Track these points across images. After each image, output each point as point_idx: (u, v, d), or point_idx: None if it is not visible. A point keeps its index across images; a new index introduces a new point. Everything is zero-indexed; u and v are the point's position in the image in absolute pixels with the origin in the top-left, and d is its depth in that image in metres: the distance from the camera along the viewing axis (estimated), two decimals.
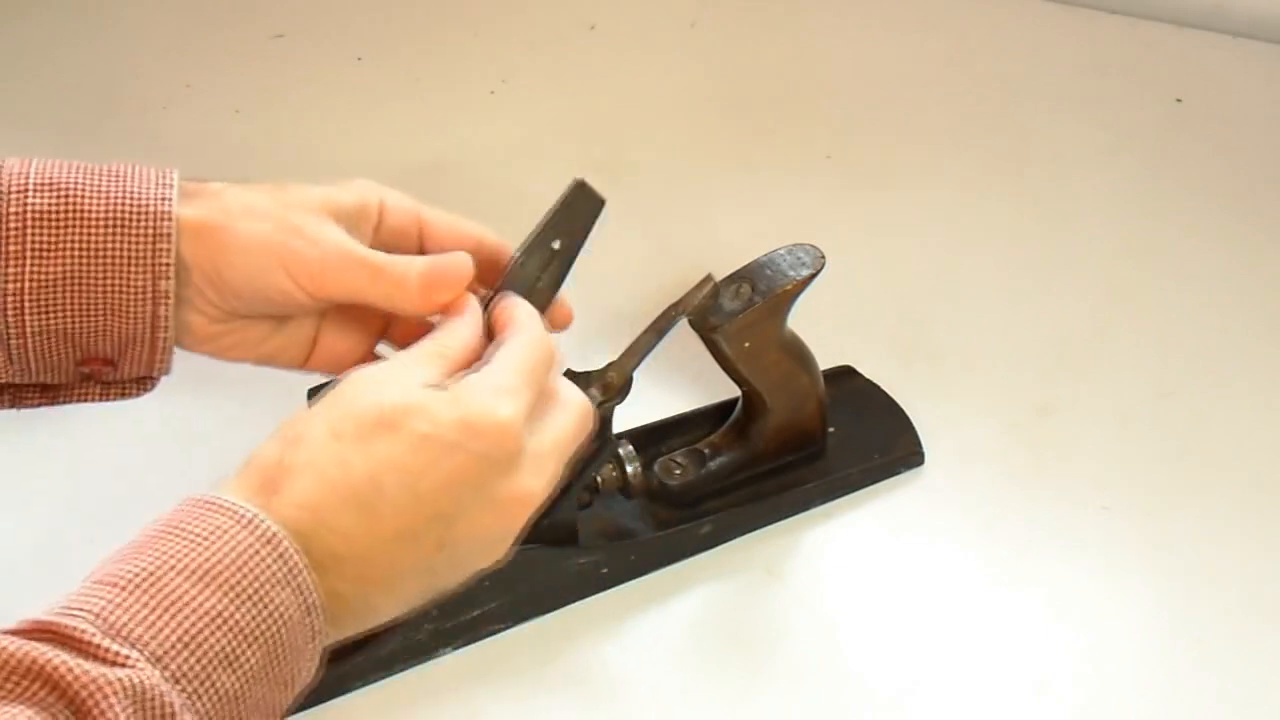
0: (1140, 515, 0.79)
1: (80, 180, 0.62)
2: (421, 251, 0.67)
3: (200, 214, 0.63)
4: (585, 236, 0.68)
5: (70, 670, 0.45)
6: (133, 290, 0.62)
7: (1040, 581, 0.76)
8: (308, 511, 0.53)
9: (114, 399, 0.67)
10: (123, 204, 0.62)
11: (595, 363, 0.73)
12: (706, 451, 0.80)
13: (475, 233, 0.68)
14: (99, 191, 0.62)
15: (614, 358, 0.71)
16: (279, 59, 1.12)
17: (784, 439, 0.79)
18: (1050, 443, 0.83)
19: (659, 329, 0.71)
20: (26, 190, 0.61)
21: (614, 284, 0.90)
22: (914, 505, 0.80)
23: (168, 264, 0.62)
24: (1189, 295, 0.93)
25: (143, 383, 0.67)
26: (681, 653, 0.73)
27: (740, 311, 0.72)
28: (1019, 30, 1.14)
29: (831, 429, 0.81)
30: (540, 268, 0.67)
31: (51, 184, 0.62)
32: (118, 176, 0.63)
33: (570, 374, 0.74)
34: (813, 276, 0.73)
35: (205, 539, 0.51)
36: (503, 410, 0.56)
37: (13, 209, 0.61)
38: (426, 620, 0.71)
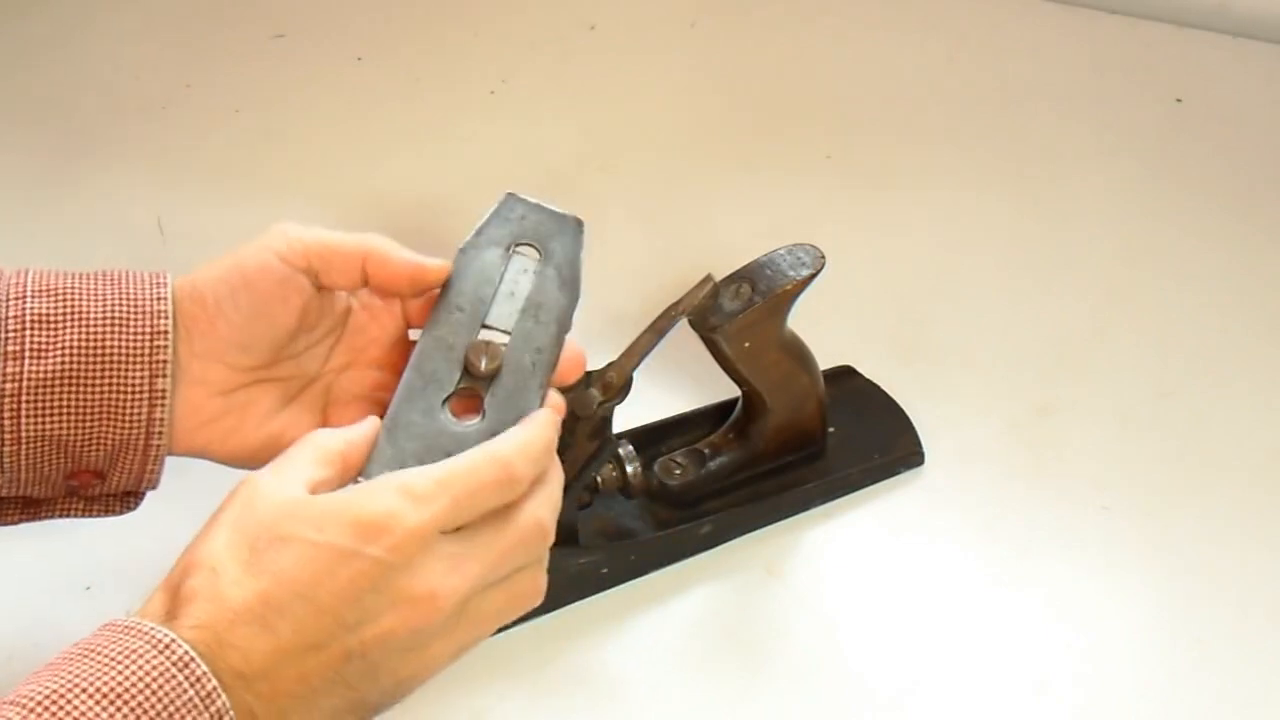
0: (1140, 515, 0.79)
1: (77, 285, 0.63)
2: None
3: (191, 276, 0.64)
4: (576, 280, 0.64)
5: None
6: (130, 389, 0.62)
7: (1040, 581, 0.76)
8: (207, 632, 0.52)
9: (96, 515, 0.67)
10: (119, 304, 0.63)
11: (595, 363, 0.73)
12: (706, 451, 0.80)
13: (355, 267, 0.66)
14: (96, 294, 0.63)
15: (614, 358, 0.71)
16: (279, 59, 1.12)
17: (784, 439, 0.79)
18: (1050, 443, 0.83)
19: (659, 329, 0.71)
20: (25, 296, 0.62)
21: (614, 284, 0.90)
22: (914, 505, 0.80)
23: (165, 361, 0.62)
24: (1189, 295, 0.93)
25: (128, 499, 0.67)
26: (681, 653, 0.73)
27: (740, 311, 0.72)
28: (1019, 30, 1.14)
29: (831, 429, 0.81)
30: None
31: (50, 289, 0.63)
32: (113, 280, 0.64)
33: None
34: (813, 276, 0.73)
35: (117, 661, 0.50)
36: (401, 512, 0.53)
37: (12, 313, 0.62)
38: None
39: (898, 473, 0.81)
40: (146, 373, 0.62)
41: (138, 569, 0.66)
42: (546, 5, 1.17)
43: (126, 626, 0.52)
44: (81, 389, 0.62)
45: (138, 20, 1.15)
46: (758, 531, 0.79)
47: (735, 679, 0.72)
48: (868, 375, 0.85)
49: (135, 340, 0.62)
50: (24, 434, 0.62)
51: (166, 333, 0.63)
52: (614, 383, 0.71)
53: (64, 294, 0.62)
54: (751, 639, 0.74)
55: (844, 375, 0.85)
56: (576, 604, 0.75)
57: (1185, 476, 0.81)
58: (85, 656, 0.51)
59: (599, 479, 0.75)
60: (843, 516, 0.80)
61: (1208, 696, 0.71)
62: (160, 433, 0.63)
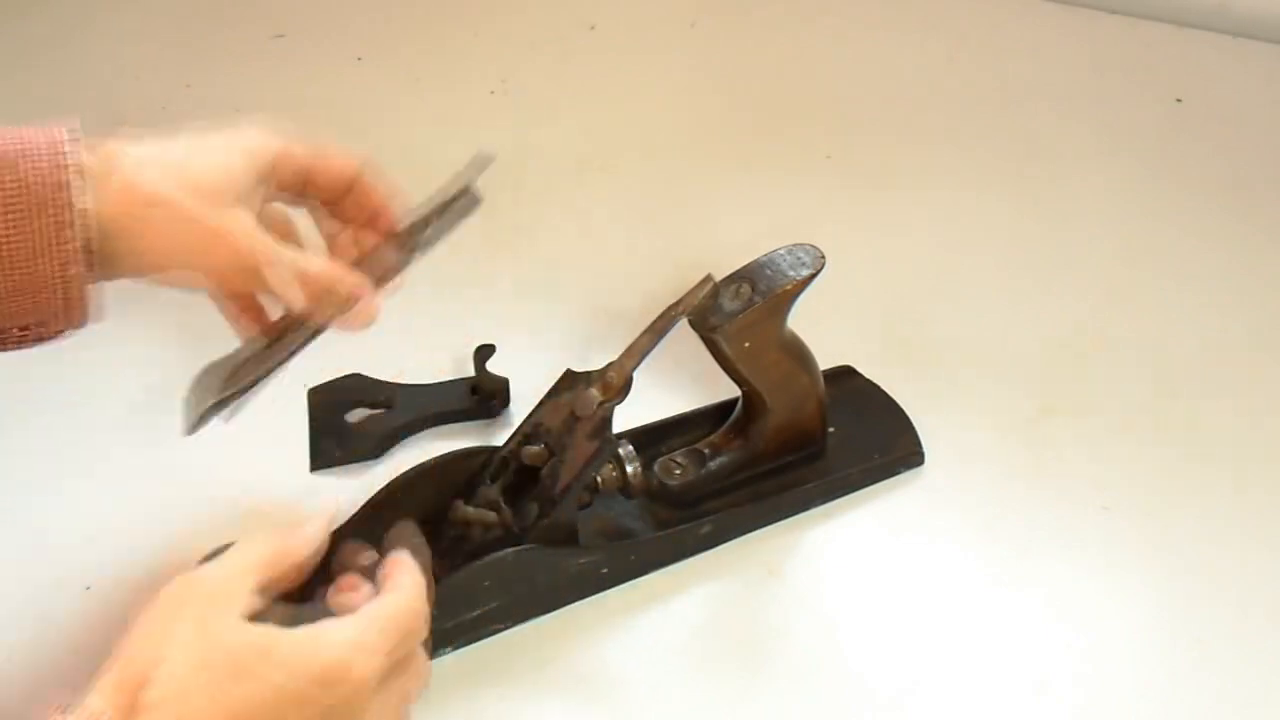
0: (1140, 515, 0.79)
1: None
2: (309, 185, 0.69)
3: (110, 206, 0.62)
4: (448, 232, 0.71)
5: None
6: (41, 277, 0.61)
7: (1040, 581, 0.76)
8: None
9: (33, 345, 0.65)
10: (19, 194, 0.60)
11: (595, 363, 0.73)
12: (706, 451, 0.80)
13: (353, 171, 0.70)
14: None
15: (614, 358, 0.71)
16: (279, 59, 1.12)
17: (784, 439, 0.79)
18: (1050, 443, 0.83)
19: (659, 329, 0.71)
20: None
21: (613, 284, 0.90)
22: (914, 505, 0.80)
23: (74, 248, 0.61)
24: (1189, 295, 0.93)
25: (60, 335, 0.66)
26: (681, 653, 0.73)
27: (740, 311, 0.72)
28: (1019, 30, 1.14)
29: (831, 429, 0.81)
30: (397, 252, 0.69)
31: None
32: (9, 159, 0.60)
33: (570, 374, 0.74)
34: (813, 276, 0.73)
35: None
36: (359, 667, 0.57)
37: None
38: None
39: (898, 473, 0.81)
40: (56, 263, 0.61)
41: (138, 569, 0.66)
42: (546, 5, 1.17)
43: None
44: None
45: (138, 20, 1.15)
46: (758, 531, 0.79)
47: (735, 679, 0.72)
48: (868, 375, 0.85)
49: (39, 235, 0.60)
50: None
51: (72, 223, 0.60)
52: (614, 383, 0.71)
53: None
54: (751, 639, 0.74)
55: (844, 375, 0.85)
56: (576, 604, 0.75)
57: (1185, 476, 0.81)
58: None
59: (599, 479, 0.75)
60: (843, 517, 0.80)
61: (1208, 696, 0.71)
62: (81, 303, 0.62)
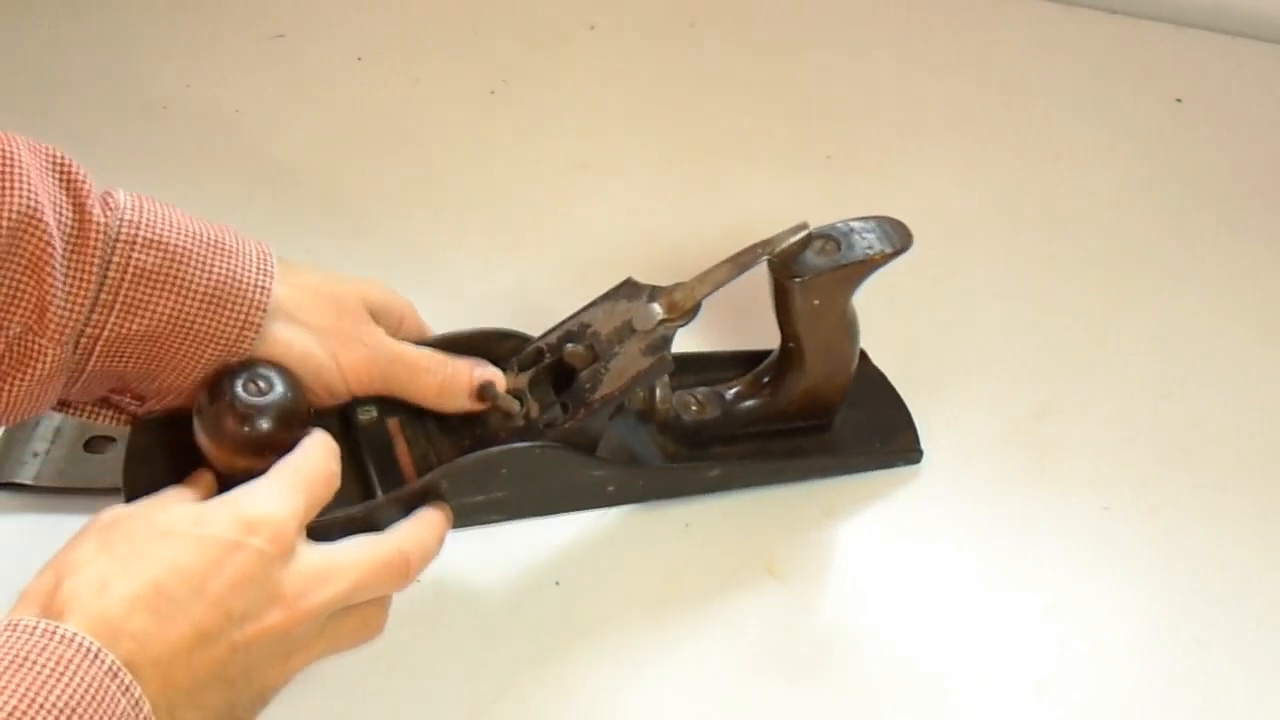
0: (1140, 515, 0.79)
1: (189, 248, 0.63)
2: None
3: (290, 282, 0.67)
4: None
5: None
6: (201, 360, 0.64)
7: (1040, 582, 0.76)
8: (99, 621, 0.52)
9: (117, 423, 0.69)
10: (225, 283, 0.64)
11: None
12: (729, 395, 0.79)
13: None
14: (204, 264, 0.63)
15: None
16: (279, 59, 1.12)
17: (807, 402, 0.78)
18: (1050, 443, 0.83)
19: (741, 263, 0.70)
20: (134, 244, 0.62)
21: (613, 284, 0.90)
22: (914, 506, 0.80)
23: (247, 349, 0.65)
24: (1189, 295, 0.93)
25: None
26: (681, 653, 0.73)
27: (825, 270, 0.72)
28: (1019, 30, 1.14)
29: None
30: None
31: (161, 243, 0.63)
32: (223, 250, 0.64)
33: (632, 283, 0.73)
34: (898, 253, 0.73)
35: (57, 673, 0.50)
36: (274, 506, 0.58)
37: (117, 258, 0.62)
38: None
39: (895, 465, 0.81)
40: (225, 353, 0.64)
41: None
42: (546, 5, 1.17)
43: (45, 631, 0.51)
44: (159, 348, 0.63)
45: (138, 20, 1.15)
46: (760, 492, 0.78)
47: (734, 679, 0.72)
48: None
49: (227, 326, 0.64)
50: (89, 370, 0.63)
51: (258, 325, 0.64)
52: (680, 304, 0.70)
53: (174, 255, 0.63)
54: (751, 639, 0.74)
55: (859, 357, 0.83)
56: (569, 514, 0.75)
57: (1185, 477, 0.81)
58: (21, 666, 0.49)
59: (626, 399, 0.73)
60: (843, 516, 0.79)
61: (1208, 696, 0.71)
62: None
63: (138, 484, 0.65)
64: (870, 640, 0.73)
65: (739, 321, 0.78)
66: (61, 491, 0.76)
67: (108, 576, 0.53)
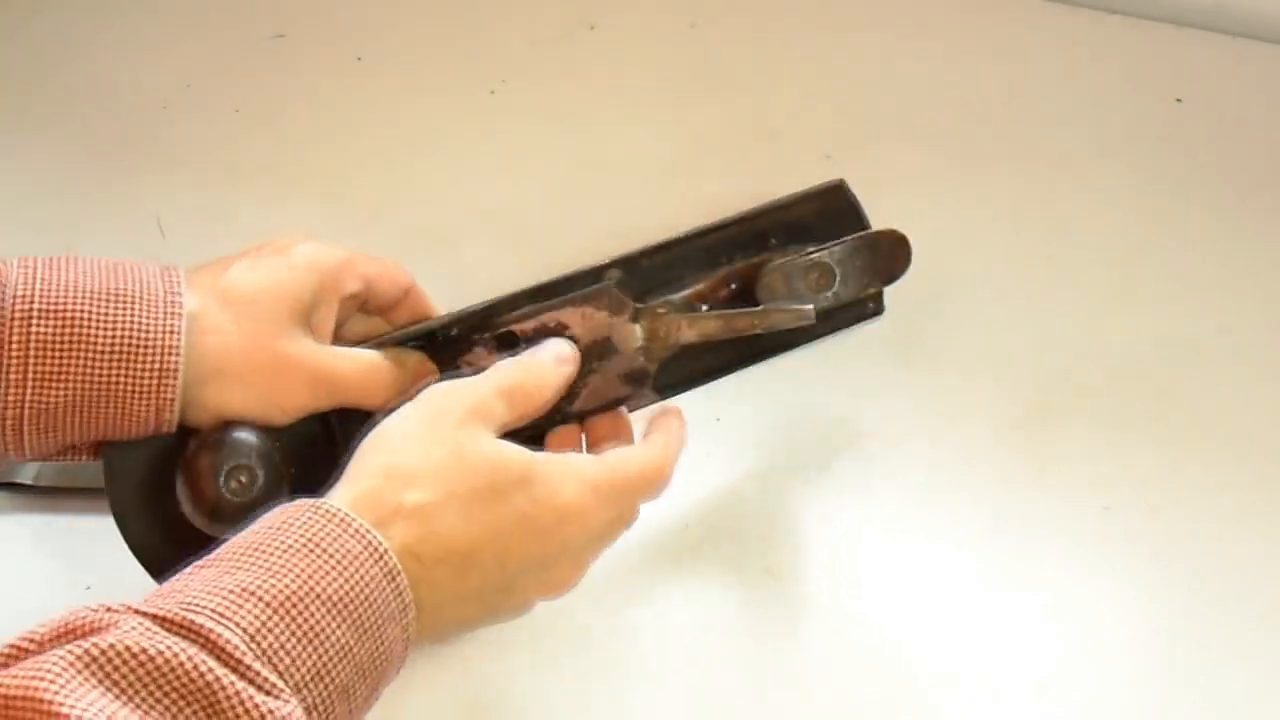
0: (1140, 515, 0.79)
1: (85, 310, 0.61)
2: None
3: (209, 301, 0.64)
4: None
5: (238, 698, 0.46)
6: (136, 418, 0.63)
7: (1040, 582, 0.76)
8: (413, 559, 0.55)
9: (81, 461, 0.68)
10: (130, 335, 0.61)
11: None
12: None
13: (407, 280, 0.73)
14: (105, 320, 0.61)
15: None
16: (279, 59, 1.12)
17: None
18: (1050, 443, 0.83)
19: (734, 328, 0.71)
20: (30, 317, 0.60)
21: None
22: (914, 506, 0.80)
23: (172, 399, 0.62)
24: (1189, 295, 0.93)
25: None
26: (680, 653, 0.73)
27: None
28: (1019, 30, 1.14)
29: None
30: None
31: (57, 310, 0.61)
32: (123, 300, 0.62)
33: (613, 294, 0.71)
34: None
35: (341, 564, 0.52)
36: (596, 512, 0.61)
37: (15, 336, 0.60)
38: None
39: (862, 320, 0.79)
40: (154, 407, 0.62)
41: (138, 569, 0.66)
42: (546, 5, 1.17)
43: (343, 520, 0.54)
44: (85, 414, 0.62)
45: (138, 20, 1.15)
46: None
47: (733, 679, 0.72)
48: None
49: (143, 377, 0.62)
50: (26, 444, 0.62)
51: (176, 370, 0.62)
52: (663, 338, 0.69)
53: (72, 319, 0.61)
54: (750, 639, 0.74)
55: (832, 191, 0.80)
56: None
57: (1185, 476, 0.81)
58: (309, 551, 0.52)
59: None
60: (842, 516, 0.80)
61: (1208, 697, 0.71)
62: (169, 433, 0.64)
63: (125, 502, 0.65)
64: (869, 640, 0.73)
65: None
66: (61, 491, 0.77)
67: (437, 519, 0.56)
